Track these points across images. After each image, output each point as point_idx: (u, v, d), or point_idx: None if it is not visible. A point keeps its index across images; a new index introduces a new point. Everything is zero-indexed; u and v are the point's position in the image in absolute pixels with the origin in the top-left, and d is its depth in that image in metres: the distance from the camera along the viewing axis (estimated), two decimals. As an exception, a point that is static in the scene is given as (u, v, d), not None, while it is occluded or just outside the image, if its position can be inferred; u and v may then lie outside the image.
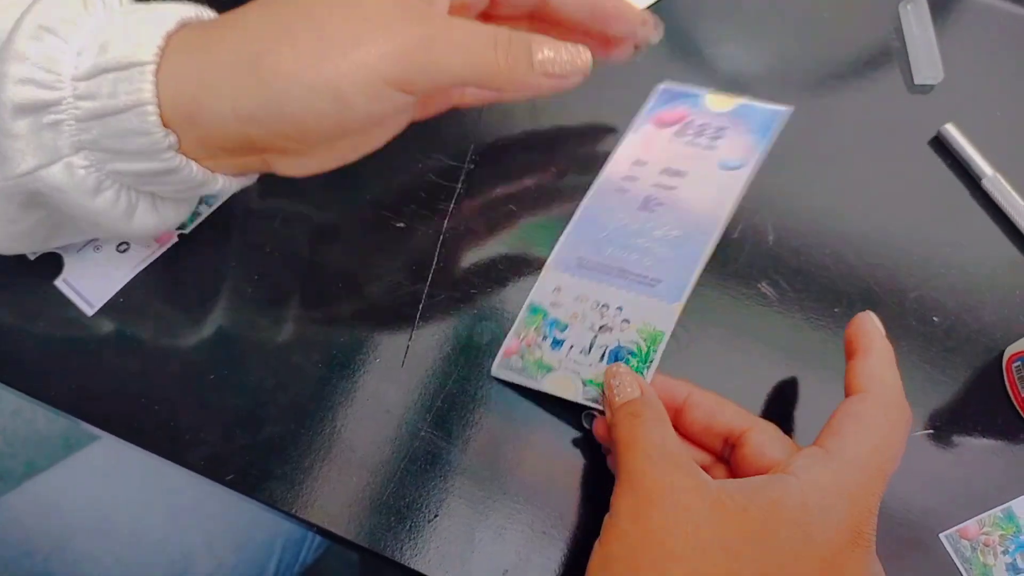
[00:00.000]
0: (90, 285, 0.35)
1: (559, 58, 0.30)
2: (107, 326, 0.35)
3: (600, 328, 0.34)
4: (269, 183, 0.34)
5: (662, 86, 0.40)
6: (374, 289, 0.36)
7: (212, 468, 0.32)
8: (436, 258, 0.37)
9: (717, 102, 0.39)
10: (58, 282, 0.35)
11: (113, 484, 0.53)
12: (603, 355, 0.33)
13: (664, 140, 0.38)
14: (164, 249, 0.36)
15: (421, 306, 0.36)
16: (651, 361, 0.32)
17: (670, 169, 0.37)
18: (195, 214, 0.37)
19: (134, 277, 0.36)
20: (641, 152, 0.38)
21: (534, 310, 0.35)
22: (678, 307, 0.33)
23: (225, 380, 0.34)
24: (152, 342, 0.35)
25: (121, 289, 0.35)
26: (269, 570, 0.55)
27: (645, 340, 0.33)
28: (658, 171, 0.37)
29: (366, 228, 0.36)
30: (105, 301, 0.35)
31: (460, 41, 0.28)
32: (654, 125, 0.39)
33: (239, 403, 0.34)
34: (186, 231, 0.37)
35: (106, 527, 0.50)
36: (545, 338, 0.34)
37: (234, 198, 0.37)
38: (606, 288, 0.34)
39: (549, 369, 0.33)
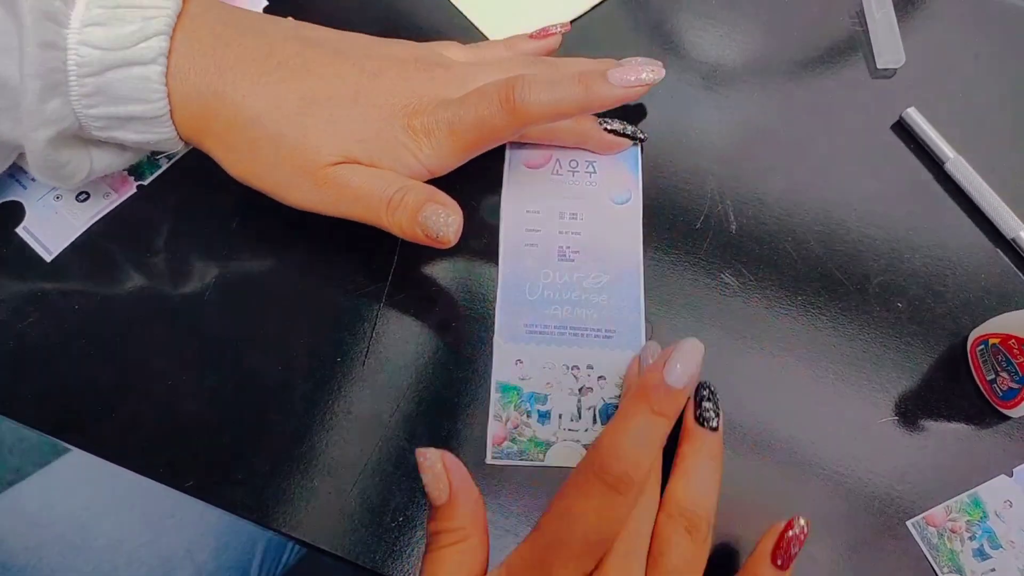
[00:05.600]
0: (49, 233, 0.36)
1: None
2: (58, 325, 0.34)
3: (580, 390, 0.34)
4: (226, 186, 0.33)
5: None
6: (333, 287, 0.35)
7: (171, 474, 0.32)
8: (396, 256, 0.36)
9: None
10: (19, 229, 0.36)
11: (90, 492, 0.52)
12: (594, 416, 0.33)
13: (544, 182, 0.38)
14: (122, 199, 0.37)
15: (381, 305, 0.35)
16: None
17: (565, 212, 0.37)
18: (156, 166, 0.38)
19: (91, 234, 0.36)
20: (528, 201, 0.38)
21: (505, 389, 0.34)
22: None
23: (181, 383, 0.34)
24: (106, 347, 0.34)
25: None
26: (251, 574, 0.55)
27: None
28: (556, 216, 0.37)
29: (325, 226, 0.35)
30: (63, 248, 0.36)
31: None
32: (527, 168, 0.38)
33: (196, 407, 0.33)
34: (145, 182, 0.37)
35: (83, 537, 0.50)
36: (530, 415, 0.33)
37: (193, 205, 0.37)
38: (567, 350, 0.34)
39: (548, 445, 0.33)
